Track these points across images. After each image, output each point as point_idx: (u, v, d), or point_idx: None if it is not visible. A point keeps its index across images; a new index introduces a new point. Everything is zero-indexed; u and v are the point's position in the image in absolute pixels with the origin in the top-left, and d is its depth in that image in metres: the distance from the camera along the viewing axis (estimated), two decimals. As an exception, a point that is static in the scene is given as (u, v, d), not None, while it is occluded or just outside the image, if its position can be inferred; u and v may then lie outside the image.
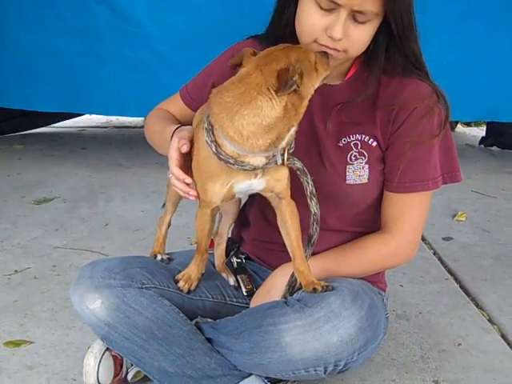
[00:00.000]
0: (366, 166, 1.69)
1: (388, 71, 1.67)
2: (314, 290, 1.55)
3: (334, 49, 1.55)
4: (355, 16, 1.51)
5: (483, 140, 5.70)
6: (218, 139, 1.48)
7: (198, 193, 1.59)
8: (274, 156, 1.50)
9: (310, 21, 1.55)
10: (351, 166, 1.69)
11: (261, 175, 1.54)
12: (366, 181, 1.70)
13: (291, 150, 1.54)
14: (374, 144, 1.69)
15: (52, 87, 4.50)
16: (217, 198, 1.59)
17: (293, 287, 1.66)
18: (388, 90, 1.67)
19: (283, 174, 1.57)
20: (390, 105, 1.65)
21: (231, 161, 1.48)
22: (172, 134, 1.68)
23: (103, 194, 3.97)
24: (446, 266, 2.91)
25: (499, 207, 3.87)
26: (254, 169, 1.50)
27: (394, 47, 1.64)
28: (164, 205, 2.00)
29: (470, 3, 4.19)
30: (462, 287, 2.68)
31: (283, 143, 1.48)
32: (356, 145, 1.68)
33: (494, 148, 5.59)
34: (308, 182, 1.57)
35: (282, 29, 1.71)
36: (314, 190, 1.58)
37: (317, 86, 1.50)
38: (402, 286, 2.66)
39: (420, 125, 1.64)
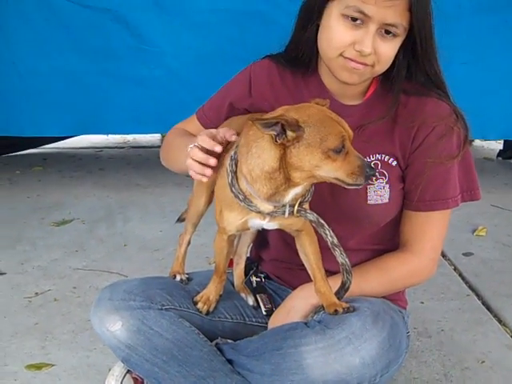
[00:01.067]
0: (387, 186, 1.69)
1: (406, 90, 1.67)
2: (336, 311, 1.53)
3: (362, 63, 1.55)
4: (383, 31, 1.52)
5: (501, 153, 5.67)
6: (238, 172, 1.49)
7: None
8: (283, 206, 1.49)
9: (338, 35, 1.55)
10: (372, 187, 1.68)
11: (269, 219, 1.53)
12: (387, 200, 1.70)
13: (306, 202, 1.52)
14: (394, 163, 1.69)
15: (66, 110, 4.51)
16: (231, 227, 1.60)
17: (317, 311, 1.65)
18: (407, 108, 1.66)
19: (295, 220, 1.55)
20: (410, 122, 1.64)
21: (240, 197, 1.49)
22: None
23: (121, 214, 3.99)
24: (466, 282, 2.89)
25: (519, 221, 3.84)
26: (260, 212, 1.50)
27: (415, 65, 1.65)
28: (178, 219, 2.01)
29: (490, 20, 4.17)
30: (483, 303, 2.66)
31: (287, 198, 1.47)
32: (376, 165, 1.68)
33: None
34: (326, 234, 1.53)
35: (302, 47, 1.71)
36: (334, 241, 1.52)
37: (321, 173, 1.40)
38: (422, 302, 2.64)
39: (439, 145, 1.64)
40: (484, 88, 4.21)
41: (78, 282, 2.87)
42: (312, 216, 1.52)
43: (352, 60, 1.55)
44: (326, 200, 1.69)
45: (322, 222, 1.53)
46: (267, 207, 1.49)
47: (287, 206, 1.49)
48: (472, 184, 1.74)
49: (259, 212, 1.50)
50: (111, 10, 4.24)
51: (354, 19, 1.52)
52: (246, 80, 1.80)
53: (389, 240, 1.82)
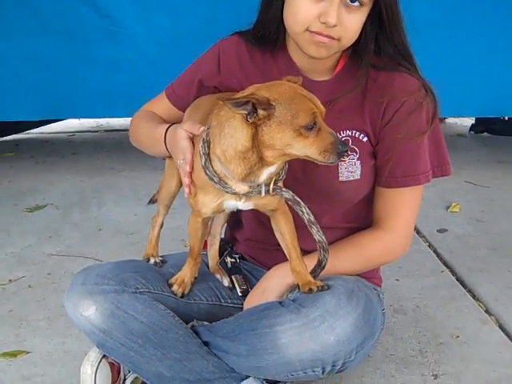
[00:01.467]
0: (358, 162, 1.68)
1: (376, 64, 1.66)
2: (310, 290, 1.53)
3: (328, 35, 1.52)
4: (347, 2, 1.50)
5: (473, 127, 5.73)
6: (211, 153, 1.47)
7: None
8: (258, 186, 1.48)
9: (302, 8, 1.52)
10: (343, 163, 1.67)
11: (245, 199, 1.53)
12: (359, 177, 1.69)
13: (280, 180, 1.51)
14: (365, 139, 1.68)
15: (38, 94, 4.43)
16: (206, 210, 1.59)
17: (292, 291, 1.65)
18: (376, 83, 1.66)
19: (271, 200, 1.55)
20: (380, 97, 1.64)
21: (215, 179, 1.48)
22: (165, 132, 1.68)
23: (95, 198, 3.95)
24: (441, 259, 2.91)
25: (493, 197, 3.88)
26: (235, 193, 1.49)
27: (383, 36, 1.63)
28: (150, 201, 2.00)
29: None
30: (458, 279, 2.68)
31: (261, 178, 1.46)
32: (347, 141, 1.67)
33: (485, 135, 5.64)
34: (303, 211, 1.53)
35: (268, 25, 1.70)
36: (311, 218, 1.52)
37: (294, 151, 1.40)
38: (397, 280, 2.66)
39: (409, 120, 1.64)
40: (458, 65, 4.20)
41: (52, 268, 2.83)
42: (288, 194, 1.52)
43: (318, 34, 1.52)
44: (298, 177, 1.69)
45: (298, 199, 1.52)
46: (242, 188, 1.48)
47: (263, 185, 1.48)
48: (442, 159, 1.74)
49: (235, 193, 1.50)
50: (78, -9, 4.16)
51: None
52: (214, 57, 1.78)
53: (363, 218, 1.82)
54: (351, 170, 1.68)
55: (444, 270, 2.77)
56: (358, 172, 1.69)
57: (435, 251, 3.00)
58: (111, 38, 4.30)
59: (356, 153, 1.68)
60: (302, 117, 1.36)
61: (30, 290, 2.61)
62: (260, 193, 1.48)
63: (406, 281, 2.65)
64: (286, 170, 1.53)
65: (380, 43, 1.65)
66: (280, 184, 1.53)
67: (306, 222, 1.53)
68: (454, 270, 2.77)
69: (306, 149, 1.39)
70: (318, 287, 1.53)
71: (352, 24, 1.54)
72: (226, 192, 1.50)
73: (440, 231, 3.26)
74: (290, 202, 1.54)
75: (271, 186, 1.49)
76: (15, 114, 4.57)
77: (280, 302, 1.56)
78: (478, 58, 4.29)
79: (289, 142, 1.38)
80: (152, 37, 4.28)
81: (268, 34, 1.71)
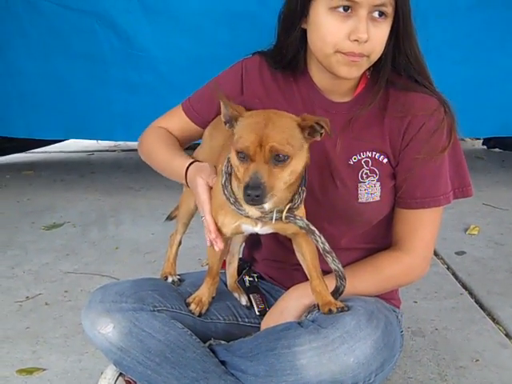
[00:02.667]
0: (378, 184, 1.67)
1: (395, 83, 1.65)
2: (330, 311, 1.52)
3: (360, 54, 1.52)
4: (374, 13, 1.50)
5: (486, 142, 5.77)
6: (233, 173, 1.47)
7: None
8: (271, 212, 1.46)
9: (331, 30, 1.52)
10: (363, 184, 1.67)
11: (261, 225, 1.51)
12: (378, 198, 1.68)
13: (296, 207, 1.48)
14: (385, 161, 1.67)
15: (56, 114, 4.49)
16: (226, 231, 1.58)
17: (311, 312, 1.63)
18: (396, 104, 1.65)
19: (290, 225, 1.51)
20: (400, 118, 1.63)
21: (231, 199, 1.48)
22: (186, 169, 1.68)
23: (113, 217, 3.97)
24: (460, 281, 2.88)
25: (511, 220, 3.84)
26: (248, 217, 1.48)
27: (398, 50, 1.62)
28: (168, 218, 2.00)
29: (481, 18, 4.14)
30: (477, 302, 2.65)
31: (266, 204, 1.43)
32: (367, 162, 1.66)
33: (502, 155, 5.62)
34: (317, 240, 1.51)
35: (287, 50, 1.69)
36: (326, 247, 1.50)
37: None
38: (416, 302, 2.63)
39: (430, 141, 1.62)
40: (475, 86, 4.19)
41: (69, 286, 2.84)
42: (302, 222, 1.49)
43: (350, 54, 1.51)
44: (317, 198, 1.68)
45: (313, 228, 1.50)
46: (254, 212, 1.47)
47: (274, 211, 1.46)
48: (463, 180, 1.73)
49: (248, 217, 1.49)
50: (99, 14, 4.20)
51: (346, 8, 1.49)
52: (237, 76, 1.78)
53: (381, 239, 1.81)
54: (371, 191, 1.67)
55: (463, 293, 2.74)
56: (378, 193, 1.68)
57: (454, 274, 2.97)
58: (130, 61, 4.33)
59: (376, 174, 1.67)
60: (239, 142, 1.36)
61: (47, 308, 2.62)
62: (272, 219, 1.47)
63: (425, 303, 2.63)
64: (301, 198, 1.49)
65: (396, 57, 1.64)
66: (299, 211, 1.51)
67: (321, 251, 1.51)
68: (473, 293, 2.74)
69: (238, 177, 1.39)
70: (337, 308, 1.52)
71: (379, 37, 1.53)
72: (241, 214, 1.49)
73: (458, 253, 3.23)
74: (304, 231, 1.52)
75: (284, 213, 1.46)
76: (34, 131, 4.63)
77: (299, 323, 1.55)
78: (494, 79, 4.28)
79: (235, 164, 1.39)
80: (171, 60, 4.30)
81: (288, 58, 1.71)
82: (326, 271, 1.64)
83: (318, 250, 1.53)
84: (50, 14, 4.24)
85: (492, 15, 4.13)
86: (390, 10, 1.51)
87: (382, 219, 1.76)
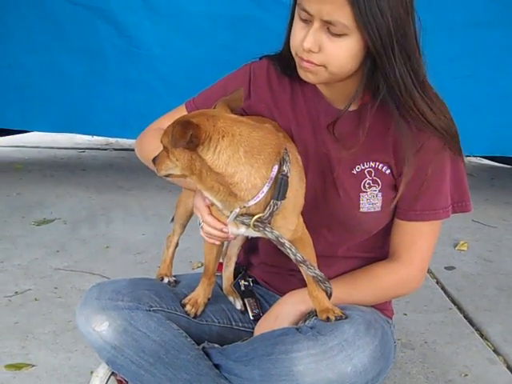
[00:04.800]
0: (380, 194, 1.67)
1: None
2: (328, 319, 1.52)
3: (308, 61, 1.51)
4: (329, 28, 1.46)
5: None
6: None
7: None
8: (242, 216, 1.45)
9: (293, 34, 1.54)
10: (365, 194, 1.67)
11: (245, 228, 1.49)
12: (379, 209, 1.68)
13: (266, 219, 1.44)
14: (388, 172, 1.67)
15: (53, 107, 4.48)
16: None
17: (308, 318, 1.63)
18: (400, 119, 1.62)
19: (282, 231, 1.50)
20: (404, 131, 1.61)
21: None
22: None
23: (103, 215, 3.95)
24: (449, 296, 2.90)
25: (500, 237, 3.87)
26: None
27: (372, 72, 1.53)
28: (172, 219, 1.99)
29: (482, 35, 4.18)
30: (465, 317, 2.67)
31: (215, 203, 1.46)
32: (370, 172, 1.66)
33: (489, 165, 5.73)
34: (288, 253, 1.49)
35: (291, 59, 1.70)
36: (298, 257, 1.48)
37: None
38: (405, 314, 2.65)
39: (434, 155, 1.62)
40: (472, 103, 4.22)
41: (59, 283, 2.83)
42: (271, 234, 1.46)
43: (301, 59, 1.52)
44: (319, 205, 1.69)
45: (283, 241, 1.47)
46: (227, 213, 1.47)
47: (233, 212, 1.44)
48: (463, 196, 1.74)
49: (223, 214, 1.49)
50: (102, 10, 4.19)
51: (304, 19, 1.50)
52: (245, 80, 1.77)
53: (378, 248, 1.81)
54: (373, 201, 1.68)
55: (452, 307, 2.76)
56: (379, 204, 1.68)
57: (443, 288, 2.99)
58: (129, 58, 4.33)
59: (378, 185, 1.67)
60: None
61: (37, 303, 2.60)
62: (244, 223, 1.46)
63: (414, 316, 2.64)
64: (271, 210, 1.43)
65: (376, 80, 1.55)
66: (280, 223, 1.48)
67: (294, 261, 1.51)
68: (462, 308, 2.76)
69: None
70: (336, 316, 1.52)
71: (334, 51, 1.48)
72: (221, 213, 1.49)
73: (448, 268, 3.25)
74: (274, 243, 1.50)
75: (252, 221, 1.44)
76: (30, 124, 4.66)
77: (297, 328, 1.55)
78: (490, 97, 4.30)
79: None
80: (169, 59, 4.30)
81: (293, 64, 1.71)
82: (331, 279, 1.63)
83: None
84: (54, 8, 4.24)
85: (491, 34, 4.17)
86: (342, 29, 1.44)
87: (380, 229, 1.77)
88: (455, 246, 3.63)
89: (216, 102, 1.56)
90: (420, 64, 1.54)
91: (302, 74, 1.58)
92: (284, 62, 1.72)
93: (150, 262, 3.09)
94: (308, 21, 1.49)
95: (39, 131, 4.84)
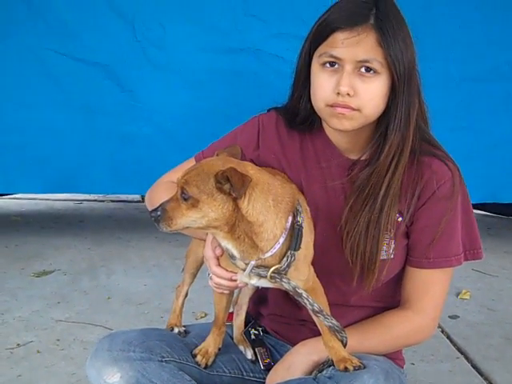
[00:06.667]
0: (392, 242, 1.67)
1: (412, 148, 1.66)
2: (346, 369, 1.49)
3: (345, 106, 1.52)
4: (362, 69, 1.51)
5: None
6: None
7: None
8: (257, 267, 1.46)
9: (320, 84, 1.56)
10: None
11: (257, 279, 1.50)
12: (392, 256, 1.68)
13: (282, 270, 1.46)
14: (400, 219, 1.67)
15: (44, 168, 4.30)
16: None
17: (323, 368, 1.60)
18: (413, 166, 1.64)
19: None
20: (416, 179, 1.64)
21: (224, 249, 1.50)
22: None
23: (104, 266, 3.93)
24: (455, 345, 2.88)
25: (502, 286, 3.87)
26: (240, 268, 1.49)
27: (394, 106, 1.58)
28: (183, 270, 1.98)
29: (476, 89, 4.30)
30: (473, 366, 2.64)
31: (234, 254, 1.46)
32: None
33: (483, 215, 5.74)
34: (306, 303, 1.49)
35: (297, 104, 1.72)
36: (315, 308, 1.49)
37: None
38: (413, 364, 2.62)
39: (445, 203, 1.64)
40: (469, 153, 4.27)
41: (61, 334, 2.79)
42: (288, 285, 1.47)
43: (336, 106, 1.54)
44: (332, 256, 1.68)
45: (300, 291, 1.48)
46: (240, 264, 1.47)
47: (250, 265, 1.45)
48: (475, 243, 1.75)
49: (239, 268, 1.49)
50: (103, 65, 4.21)
51: (332, 64, 1.53)
52: (254, 131, 1.79)
53: (390, 297, 1.81)
54: (386, 249, 1.67)
55: (459, 357, 2.74)
56: (392, 252, 1.68)
57: (448, 337, 2.97)
58: (130, 113, 4.31)
59: (391, 233, 1.67)
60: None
61: (39, 356, 2.57)
62: (259, 275, 1.47)
63: (422, 365, 2.62)
64: (288, 261, 1.44)
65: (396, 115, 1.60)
66: (295, 275, 1.48)
67: (311, 312, 1.51)
68: (469, 357, 2.74)
69: None
70: (354, 366, 1.49)
71: (368, 92, 1.52)
72: (233, 263, 1.49)
73: (452, 317, 3.24)
74: (291, 293, 1.50)
75: (269, 273, 1.45)
76: (16, 186, 4.48)
77: (314, 378, 1.52)
78: (484, 147, 4.39)
79: None
80: (170, 113, 4.31)
81: (301, 117, 1.73)
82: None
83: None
84: (52, 64, 4.21)
85: (485, 88, 4.29)
86: (377, 66, 1.50)
87: (391, 277, 1.76)
88: (458, 294, 3.62)
89: (217, 152, 1.57)
90: (422, 100, 1.65)
91: (336, 123, 1.57)
92: (290, 116, 1.75)
93: (152, 313, 3.06)
94: (336, 66, 1.52)
95: (28, 193, 4.74)
